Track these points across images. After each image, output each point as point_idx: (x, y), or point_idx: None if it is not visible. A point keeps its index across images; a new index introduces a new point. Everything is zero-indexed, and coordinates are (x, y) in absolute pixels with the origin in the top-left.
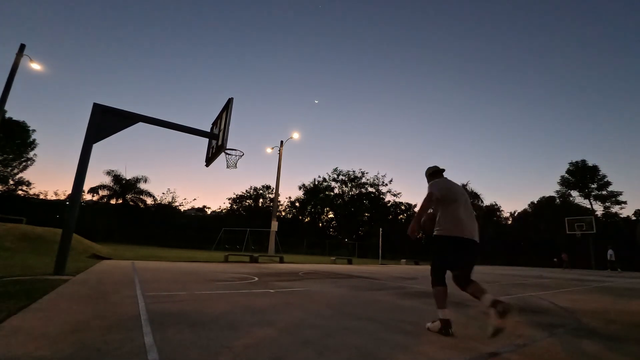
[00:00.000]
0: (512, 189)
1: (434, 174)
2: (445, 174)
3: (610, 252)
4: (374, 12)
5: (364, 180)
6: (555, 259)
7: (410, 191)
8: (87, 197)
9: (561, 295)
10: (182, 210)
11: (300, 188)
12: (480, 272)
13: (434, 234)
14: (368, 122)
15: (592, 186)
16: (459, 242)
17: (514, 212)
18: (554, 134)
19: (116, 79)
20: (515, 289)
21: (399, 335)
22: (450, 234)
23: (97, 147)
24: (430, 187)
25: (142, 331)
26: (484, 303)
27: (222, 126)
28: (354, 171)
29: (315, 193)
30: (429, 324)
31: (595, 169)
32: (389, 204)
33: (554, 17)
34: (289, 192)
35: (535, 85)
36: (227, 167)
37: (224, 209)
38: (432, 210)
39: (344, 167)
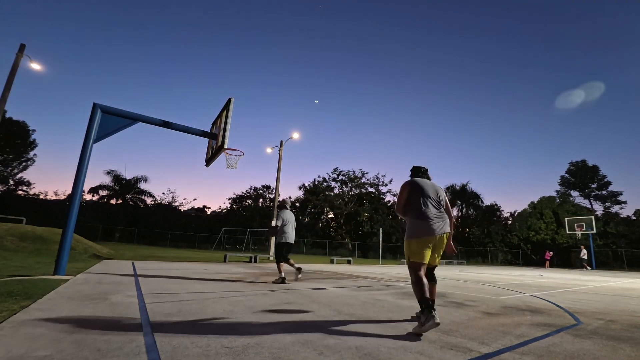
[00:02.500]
0: (512, 189)
1: (279, 206)
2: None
3: (583, 251)
4: (374, 12)
5: (364, 180)
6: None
7: None
8: (87, 197)
9: (561, 295)
10: (182, 210)
11: (300, 188)
12: (478, 273)
13: (285, 241)
14: (368, 122)
15: (592, 186)
16: (287, 244)
17: (514, 212)
18: (554, 134)
19: (116, 79)
20: (515, 289)
21: (399, 335)
22: (285, 241)
23: (97, 147)
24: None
25: (142, 331)
26: (294, 268)
27: (222, 126)
28: (354, 171)
29: (315, 193)
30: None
31: (595, 169)
32: (389, 204)
33: (554, 16)
34: (289, 192)
35: (536, 85)
36: (227, 167)
37: (224, 209)
38: (279, 226)
39: (344, 167)
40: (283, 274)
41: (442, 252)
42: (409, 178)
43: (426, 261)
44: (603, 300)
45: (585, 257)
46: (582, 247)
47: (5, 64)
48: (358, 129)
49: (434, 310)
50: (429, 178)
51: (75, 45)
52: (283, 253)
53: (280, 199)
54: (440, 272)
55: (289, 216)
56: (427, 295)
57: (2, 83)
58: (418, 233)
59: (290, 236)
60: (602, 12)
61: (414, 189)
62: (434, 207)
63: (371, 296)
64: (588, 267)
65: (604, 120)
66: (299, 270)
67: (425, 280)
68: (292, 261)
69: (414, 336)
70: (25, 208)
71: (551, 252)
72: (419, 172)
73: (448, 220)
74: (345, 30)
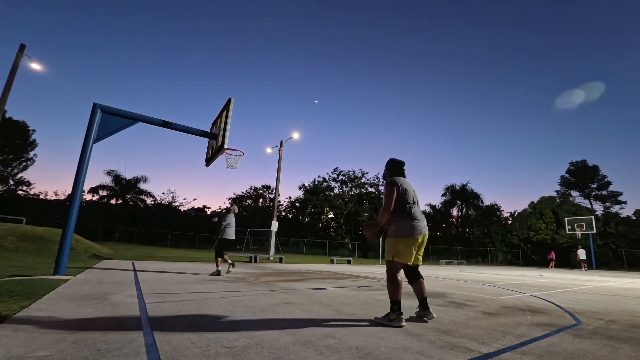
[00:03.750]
0: (512, 189)
1: (227, 211)
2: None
3: (580, 251)
4: (375, 12)
5: (364, 180)
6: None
7: None
8: (87, 197)
9: (561, 295)
10: (182, 210)
11: (300, 188)
12: (478, 273)
13: (226, 237)
14: (368, 121)
15: (592, 186)
16: (230, 240)
17: (514, 212)
18: (554, 134)
19: (116, 79)
20: (515, 289)
21: (399, 335)
22: (226, 237)
23: (97, 147)
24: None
25: (142, 331)
26: (228, 262)
27: (222, 126)
28: (354, 171)
29: (315, 193)
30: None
31: (595, 169)
32: None
33: (555, 17)
34: (289, 192)
35: (536, 85)
36: (227, 167)
37: (224, 209)
38: (222, 224)
39: (344, 167)
40: (220, 267)
41: (423, 249)
42: (386, 170)
43: (410, 261)
44: (603, 300)
45: (583, 257)
46: (580, 246)
47: (5, 64)
48: (358, 129)
49: (429, 308)
50: (405, 175)
51: (76, 45)
52: (221, 248)
53: (279, 199)
54: (440, 272)
55: (231, 220)
56: (401, 297)
57: (2, 83)
58: (409, 232)
59: (229, 234)
60: (603, 12)
61: (402, 189)
62: (418, 206)
63: (371, 296)
64: (585, 267)
65: (604, 120)
66: (217, 272)
67: (401, 281)
68: (226, 258)
69: (414, 336)
70: (25, 208)
71: (553, 252)
72: (401, 169)
73: None
74: (346, 30)
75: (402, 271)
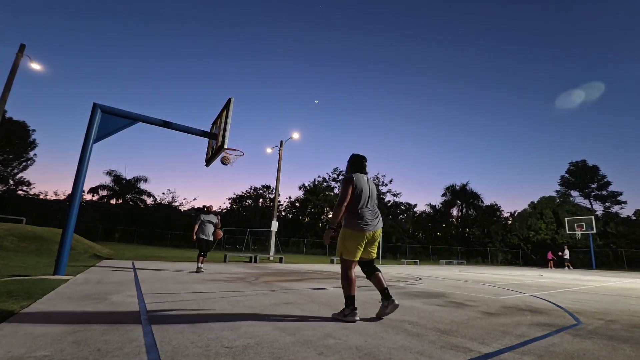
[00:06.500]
0: (512, 189)
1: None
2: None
3: (566, 251)
4: (375, 12)
5: None
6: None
7: (410, 191)
8: (87, 197)
9: (561, 295)
10: (182, 210)
11: (300, 188)
12: (478, 273)
13: (199, 237)
14: (368, 122)
15: (592, 186)
16: (203, 240)
17: (514, 212)
18: (554, 133)
19: (116, 79)
20: (515, 289)
21: (399, 335)
22: (200, 237)
23: (97, 147)
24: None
25: (142, 331)
26: (199, 264)
27: (222, 126)
28: None
29: (315, 193)
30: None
31: (595, 169)
32: (389, 204)
33: (555, 14)
34: (289, 192)
35: (536, 85)
36: (222, 161)
37: (224, 209)
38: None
39: (344, 167)
40: (199, 265)
41: (377, 245)
42: (348, 165)
43: (357, 259)
44: (603, 300)
45: (567, 256)
46: (566, 247)
47: (5, 64)
48: (358, 129)
49: (391, 296)
50: (366, 171)
51: (76, 45)
52: (201, 247)
53: (279, 199)
54: (440, 272)
55: (203, 218)
56: (354, 292)
57: (2, 83)
58: (356, 227)
59: (205, 233)
60: (603, 11)
61: (357, 188)
62: (372, 206)
63: (371, 296)
64: (568, 265)
65: (604, 120)
66: (198, 270)
67: (354, 277)
68: (202, 259)
69: (414, 336)
70: (25, 208)
71: (551, 252)
72: (362, 166)
73: (381, 215)
74: (346, 29)
75: (356, 267)
